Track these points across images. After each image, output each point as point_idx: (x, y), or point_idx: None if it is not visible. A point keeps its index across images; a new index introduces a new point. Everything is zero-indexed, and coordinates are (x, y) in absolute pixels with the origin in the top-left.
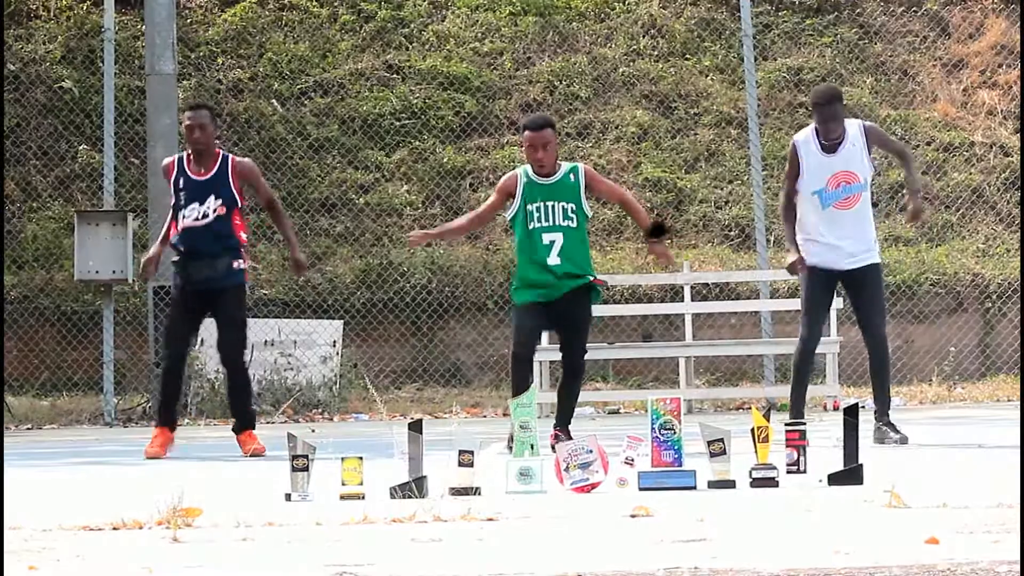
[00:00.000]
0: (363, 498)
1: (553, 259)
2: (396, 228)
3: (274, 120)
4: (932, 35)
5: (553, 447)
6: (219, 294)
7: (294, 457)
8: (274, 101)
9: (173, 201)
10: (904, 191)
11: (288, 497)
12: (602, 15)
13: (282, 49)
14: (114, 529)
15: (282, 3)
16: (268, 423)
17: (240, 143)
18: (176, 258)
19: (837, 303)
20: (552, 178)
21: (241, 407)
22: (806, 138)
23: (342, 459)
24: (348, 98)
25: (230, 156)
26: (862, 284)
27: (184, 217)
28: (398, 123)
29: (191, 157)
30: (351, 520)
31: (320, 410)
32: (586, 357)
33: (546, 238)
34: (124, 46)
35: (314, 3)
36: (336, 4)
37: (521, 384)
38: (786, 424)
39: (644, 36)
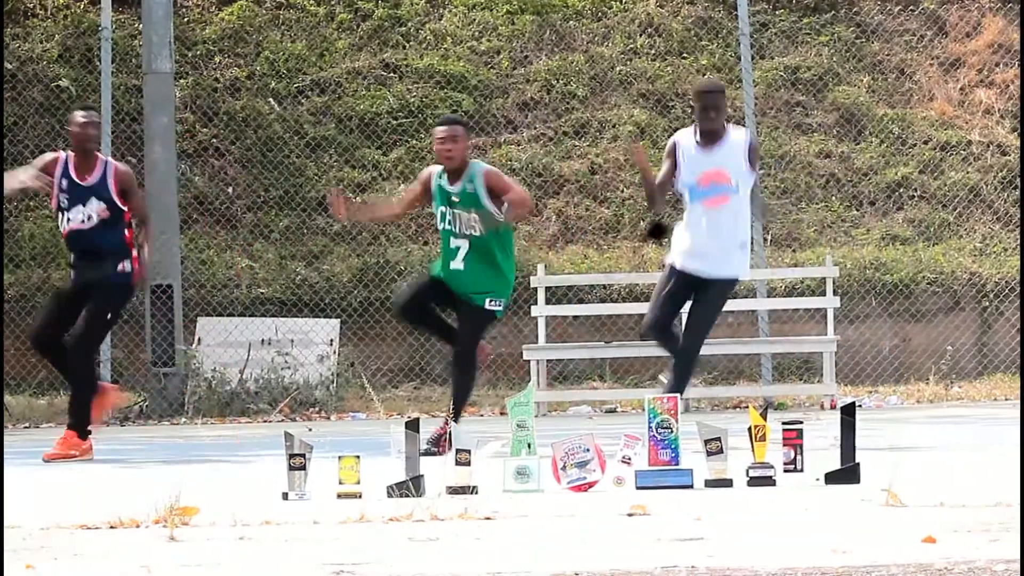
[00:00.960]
0: (360, 497)
1: (457, 263)
2: (393, 227)
3: (271, 119)
4: (929, 34)
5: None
6: (91, 288)
7: (291, 456)
8: (271, 100)
9: (55, 197)
10: (901, 191)
11: (285, 496)
12: (599, 14)
13: (279, 48)
14: (111, 528)
15: (279, 2)
16: (265, 422)
17: (237, 142)
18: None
19: (834, 302)
20: (455, 186)
21: (78, 405)
22: (686, 133)
23: (339, 458)
24: (345, 97)
25: (110, 162)
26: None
27: (69, 220)
28: (395, 122)
29: (73, 159)
30: (348, 519)
31: (317, 409)
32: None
33: (453, 242)
34: (121, 45)
35: (311, 2)
36: (333, 3)
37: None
38: (783, 423)
39: (641, 35)
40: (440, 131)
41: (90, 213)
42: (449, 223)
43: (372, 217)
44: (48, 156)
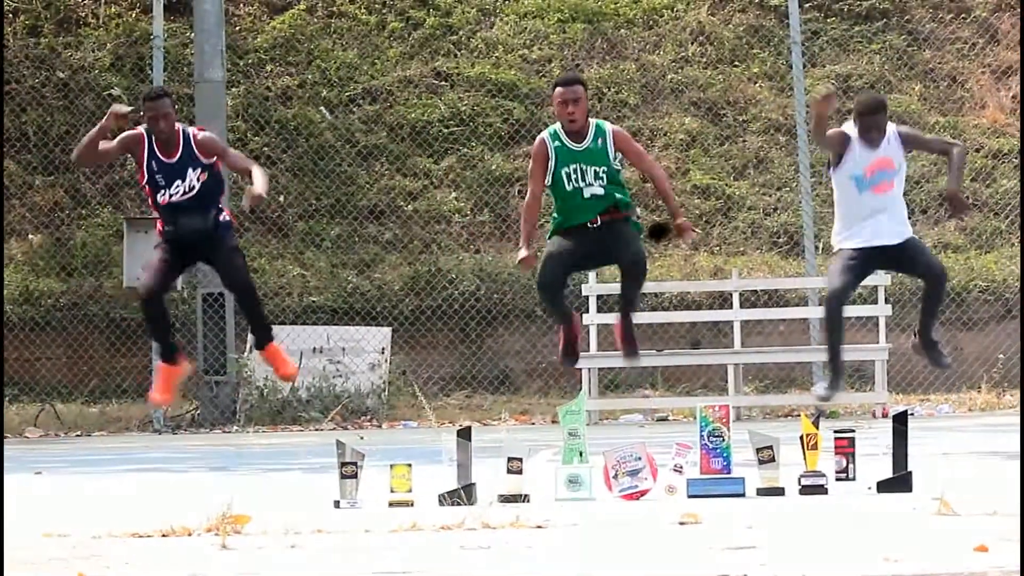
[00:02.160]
0: (412, 505)
1: (592, 206)
2: (444, 235)
3: (322, 127)
4: (981, 42)
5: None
6: (210, 240)
7: (343, 464)
8: (322, 108)
9: (146, 178)
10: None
11: (337, 504)
12: (650, 22)
13: (330, 56)
14: (163, 536)
15: (331, 10)
16: (317, 430)
17: (288, 150)
18: (161, 217)
19: (886, 310)
20: (582, 144)
21: (255, 318)
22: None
23: (391, 466)
24: (396, 105)
25: (191, 132)
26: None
27: (171, 196)
28: (446, 130)
29: (157, 140)
30: (400, 527)
31: (369, 417)
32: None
33: (587, 192)
34: (173, 54)
35: (363, 11)
36: (385, 12)
37: (557, 310)
38: (835, 431)
39: (692, 43)
40: (561, 92)
41: (191, 183)
42: (577, 181)
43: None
44: (131, 133)
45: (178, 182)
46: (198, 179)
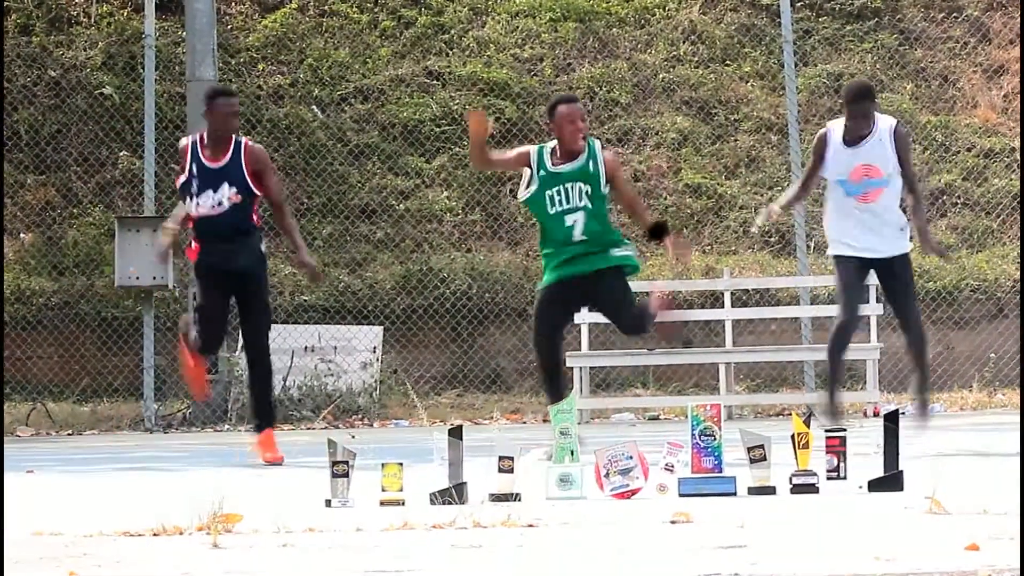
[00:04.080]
0: (403, 504)
1: (577, 237)
2: (436, 234)
3: (314, 126)
4: (973, 41)
5: None
6: (241, 277)
7: (334, 463)
8: (314, 107)
9: (182, 182)
10: (945, 198)
11: (328, 503)
12: (642, 21)
13: (322, 55)
14: (154, 535)
15: (322, 9)
16: (308, 429)
17: (280, 149)
18: (195, 245)
19: (877, 309)
20: (571, 164)
21: (263, 399)
22: (836, 128)
23: (382, 465)
24: (388, 104)
25: (243, 141)
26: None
27: (198, 205)
28: (438, 129)
29: (204, 141)
30: (391, 526)
31: (360, 416)
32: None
33: (568, 220)
34: (165, 52)
35: (354, 9)
36: (376, 10)
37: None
38: (826, 430)
39: (684, 42)
40: (567, 109)
41: (220, 199)
42: (560, 202)
43: (484, 158)
44: (180, 145)
45: (209, 192)
46: (228, 199)
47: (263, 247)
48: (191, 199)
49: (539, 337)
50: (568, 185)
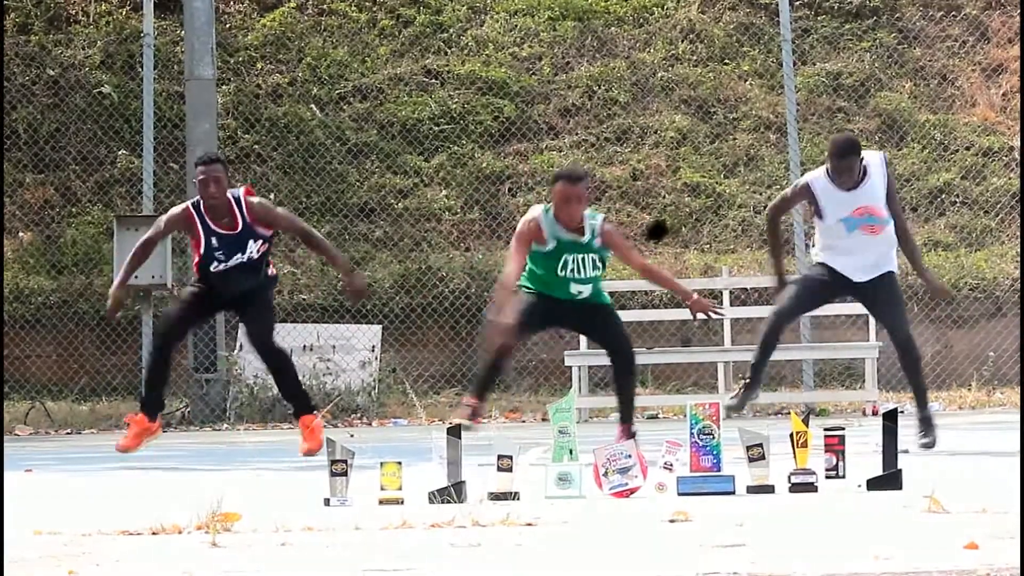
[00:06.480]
0: (402, 503)
1: (578, 297)
2: (435, 233)
3: (313, 125)
4: (971, 40)
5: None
6: (251, 292)
7: (333, 462)
8: (313, 106)
9: (202, 252)
10: (943, 197)
11: (327, 502)
12: (641, 20)
13: (321, 54)
14: (153, 534)
15: (321, 8)
16: None
17: (279, 148)
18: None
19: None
20: (580, 236)
21: (292, 390)
22: (821, 178)
23: (381, 464)
24: (387, 103)
25: (241, 199)
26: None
27: (227, 266)
28: (437, 128)
29: (206, 208)
30: (390, 525)
31: (359, 415)
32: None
33: (574, 288)
34: (163, 51)
35: (353, 8)
36: (375, 9)
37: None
38: (825, 429)
39: (683, 41)
40: (569, 188)
41: (250, 254)
42: (575, 271)
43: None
44: (177, 213)
45: (238, 255)
46: (258, 251)
47: (272, 272)
48: (217, 263)
49: (516, 324)
50: (582, 256)
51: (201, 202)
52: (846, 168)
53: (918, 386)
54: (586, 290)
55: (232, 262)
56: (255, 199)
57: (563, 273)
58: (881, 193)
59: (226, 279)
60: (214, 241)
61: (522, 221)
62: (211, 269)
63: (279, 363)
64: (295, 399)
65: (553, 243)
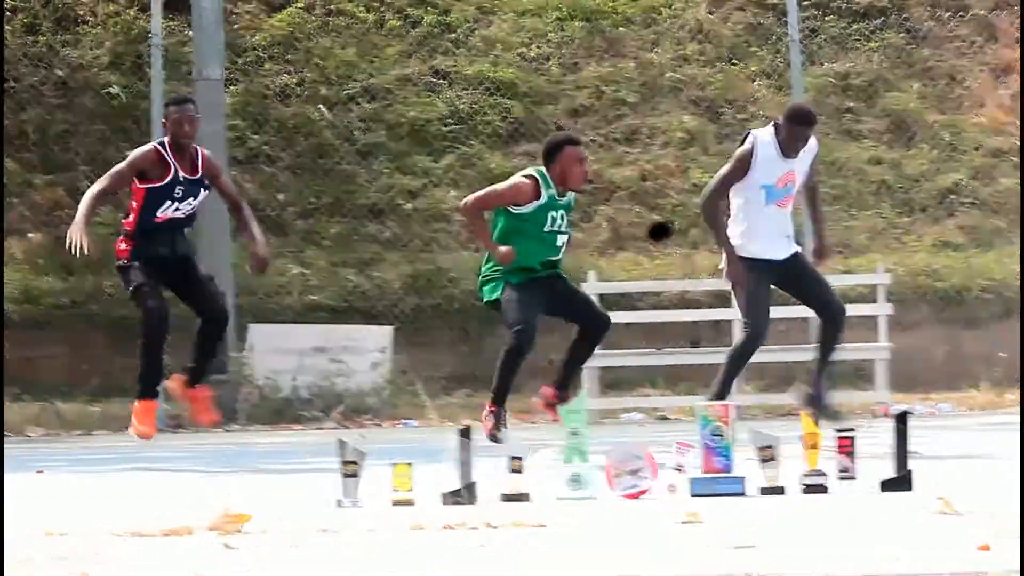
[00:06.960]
0: (414, 504)
1: (558, 255)
2: (444, 234)
3: (321, 126)
4: (980, 40)
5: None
6: (184, 260)
7: (344, 463)
8: (321, 106)
9: (163, 186)
10: (953, 198)
11: (339, 503)
12: (649, 20)
13: (329, 54)
14: (165, 536)
15: (329, 8)
16: (318, 429)
17: (287, 149)
18: (138, 236)
19: (886, 309)
20: (566, 197)
21: (208, 354)
22: (768, 139)
23: (393, 465)
24: (395, 103)
25: (199, 150)
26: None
27: (177, 210)
28: (445, 128)
29: (173, 149)
30: (402, 527)
31: (370, 416)
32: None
33: (560, 240)
34: (172, 51)
35: (361, 8)
36: (383, 9)
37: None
38: (837, 431)
39: (691, 41)
40: (576, 151)
41: (196, 205)
42: (559, 225)
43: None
44: (146, 151)
45: (191, 200)
46: (200, 202)
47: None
48: (171, 203)
49: (526, 325)
50: (562, 213)
51: (168, 143)
52: (803, 137)
53: (828, 359)
54: (564, 244)
55: (183, 206)
56: (209, 153)
57: (552, 227)
58: (807, 168)
59: (169, 232)
60: (180, 179)
61: (516, 180)
62: (157, 213)
63: (223, 331)
64: (205, 362)
65: (545, 199)
